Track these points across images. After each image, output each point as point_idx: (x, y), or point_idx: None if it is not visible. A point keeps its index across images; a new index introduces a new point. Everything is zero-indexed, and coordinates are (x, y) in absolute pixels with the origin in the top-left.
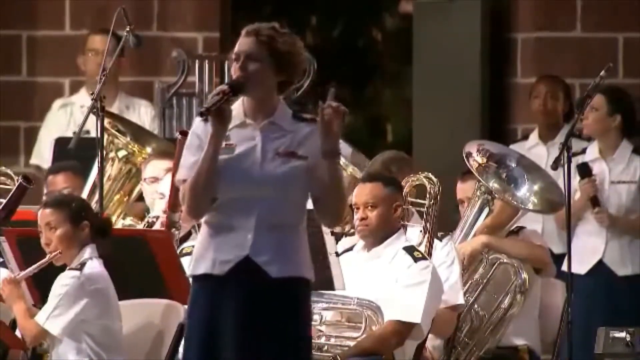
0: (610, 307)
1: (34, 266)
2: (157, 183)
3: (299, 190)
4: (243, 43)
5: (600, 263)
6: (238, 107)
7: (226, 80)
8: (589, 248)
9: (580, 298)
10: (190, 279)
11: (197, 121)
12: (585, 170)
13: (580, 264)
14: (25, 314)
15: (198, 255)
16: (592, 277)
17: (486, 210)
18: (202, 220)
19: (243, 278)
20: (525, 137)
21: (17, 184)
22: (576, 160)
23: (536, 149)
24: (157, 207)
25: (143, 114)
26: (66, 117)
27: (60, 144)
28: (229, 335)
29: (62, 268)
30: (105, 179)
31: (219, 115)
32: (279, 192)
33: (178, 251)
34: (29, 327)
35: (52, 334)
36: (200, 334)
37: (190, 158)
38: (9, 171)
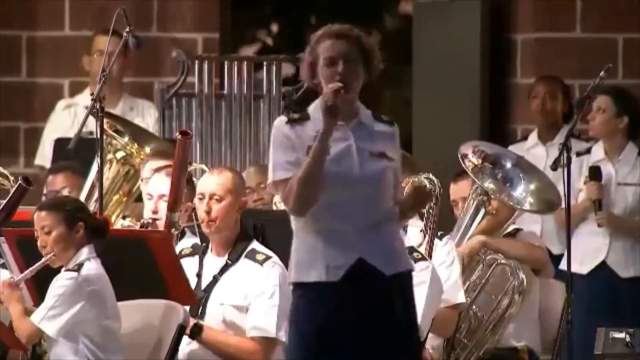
0: (612, 309)
1: (29, 269)
2: None
3: (391, 187)
4: (336, 46)
5: (603, 264)
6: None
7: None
8: (591, 248)
9: (581, 299)
10: (292, 286)
11: (281, 124)
12: (596, 174)
13: (582, 264)
14: (21, 315)
15: (305, 263)
16: (594, 277)
17: (482, 212)
18: (301, 226)
19: (359, 281)
20: (525, 137)
21: (17, 186)
22: (580, 160)
23: (535, 150)
24: (147, 208)
25: (147, 115)
26: (70, 117)
27: (60, 144)
28: (350, 339)
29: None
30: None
31: (333, 111)
32: (378, 191)
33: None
34: (23, 326)
35: (47, 334)
36: (317, 340)
37: (283, 158)
38: (4, 171)
